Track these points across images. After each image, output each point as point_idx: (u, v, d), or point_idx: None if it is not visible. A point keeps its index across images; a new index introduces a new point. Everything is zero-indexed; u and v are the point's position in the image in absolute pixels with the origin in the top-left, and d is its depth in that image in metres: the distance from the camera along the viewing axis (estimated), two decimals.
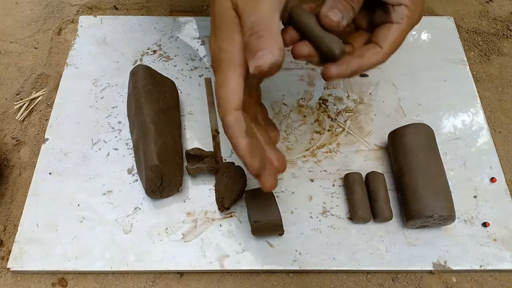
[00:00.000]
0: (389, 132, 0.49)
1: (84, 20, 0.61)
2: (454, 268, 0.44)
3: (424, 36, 0.60)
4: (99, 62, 0.57)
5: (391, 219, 0.45)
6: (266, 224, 0.42)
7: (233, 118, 0.34)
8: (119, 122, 0.53)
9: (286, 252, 0.45)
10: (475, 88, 0.56)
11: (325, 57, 0.36)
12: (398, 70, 0.57)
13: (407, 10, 0.38)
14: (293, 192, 0.48)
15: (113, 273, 0.45)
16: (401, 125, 0.47)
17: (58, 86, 0.55)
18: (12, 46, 0.62)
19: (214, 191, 0.48)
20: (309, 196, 0.48)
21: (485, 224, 0.46)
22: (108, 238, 0.45)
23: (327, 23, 0.36)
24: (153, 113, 0.46)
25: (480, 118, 0.53)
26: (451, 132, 0.52)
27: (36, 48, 0.62)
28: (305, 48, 0.37)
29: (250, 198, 0.43)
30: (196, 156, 0.48)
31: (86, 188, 0.48)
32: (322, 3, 0.37)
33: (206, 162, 0.47)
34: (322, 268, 0.44)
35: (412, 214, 0.43)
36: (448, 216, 0.42)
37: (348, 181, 0.47)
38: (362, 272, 0.45)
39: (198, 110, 0.54)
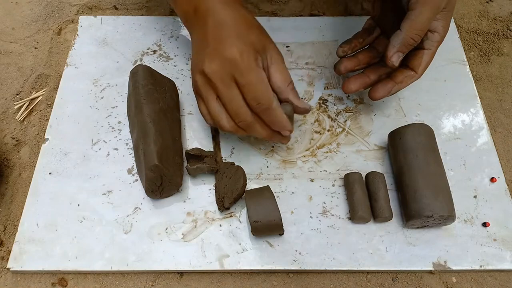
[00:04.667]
0: (389, 132, 0.49)
1: (84, 20, 0.61)
2: (454, 268, 0.44)
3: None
4: (99, 62, 0.57)
5: (391, 219, 0.45)
6: (266, 224, 0.42)
7: (276, 102, 0.42)
8: (119, 122, 0.53)
9: (286, 252, 0.45)
10: (475, 88, 0.56)
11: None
12: None
13: (439, 37, 0.45)
14: (293, 192, 0.48)
15: (113, 273, 0.45)
16: (401, 125, 0.47)
17: (58, 86, 0.55)
18: (12, 46, 0.62)
19: (214, 191, 0.48)
20: (309, 196, 0.48)
21: (485, 224, 0.46)
22: (108, 238, 0.45)
23: (391, 66, 0.45)
24: (153, 113, 0.46)
25: (480, 118, 0.53)
26: (451, 132, 0.52)
27: (36, 48, 0.62)
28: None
29: (250, 198, 0.43)
30: (196, 156, 0.48)
31: (86, 188, 0.48)
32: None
33: (206, 162, 0.47)
34: (322, 268, 0.44)
35: (412, 214, 0.43)
36: (448, 216, 0.42)
37: (348, 181, 0.47)
38: (362, 272, 0.45)
39: (198, 110, 0.54)
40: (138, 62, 0.57)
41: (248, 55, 0.41)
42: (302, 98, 0.55)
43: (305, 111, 0.46)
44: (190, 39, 0.47)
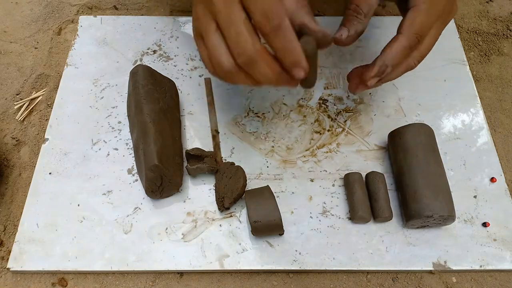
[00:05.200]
0: (389, 132, 0.49)
1: (84, 20, 0.61)
2: (454, 268, 0.44)
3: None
4: (99, 62, 0.57)
5: (391, 219, 0.45)
6: (266, 224, 0.42)
7: (288, 22, 0.34)
8: (119, 122, 0.53)
9: (286, 252, 0.45)
10: (475, 88, 0.56)
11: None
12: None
13: None
14: (293, 192, 0.48)
15: (113, 273, 0.45)
16: (401, 125, 0.47)
17: (58, 86, 0.55)
18: (12, 46, 0.62)
19: (214, 191, 0.48)
20: (309, 196, 0.48)
21: (485, 224, 0.46)
22: (108, 238, 0.45)
23: (335, 43, 0.41)
24: (153, 113, 0.46)
25: (480, 118, 0.53)
26: (451, 132, 0.52)
27: (36, 48, 0.62)
28: None
29: (250, 198, 0.43)
30: (196, 156, 0.48)
31: (86, 188, 0.48)
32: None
33: (206, 162, 0.47)
34: (322, 268, 0.44)
35: (412, 214, 0.43)
36: (448, 216, 0.42)
37: (348, 181, 0.47)
38: (362, 272, 0.45)
39: (198, 110, 0.54)
40: (138, 62, 0.57)
41: None
42: (302, 98, 0.55)
43: (325, 37, 0.38)
44: (191, 39, 0.44)
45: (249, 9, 0.34)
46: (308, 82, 0.41)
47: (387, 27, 0.60)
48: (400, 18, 0.43)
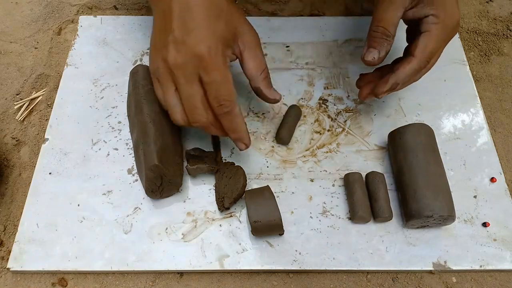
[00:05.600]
0: (389, 132, 0.49)
1: (84, 20, 0.61)
2: (454, 268, 0.44)
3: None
4: (99, 62, 0.57)
5: (391, 219, 0.45)
6: (266, 224, 0.42)
7: (238, 109, 0.41)
8: (119, 122, 0.53)
9: (286, 252, 0.45)
10: (475, 88, 0.56)
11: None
12: None
13: (434, 18, 0.43)
14: (293, 192, 0.48)
15: (113, 273, 0.45)
16: (401, 125, 0.47)
17: (58, 86, 0.55)
18: (12, 46, 0.62)
19: (214, 191, 0.48)
20: (309, 196, 0.48)
21: (485, 224, 0.46)
22: (108, 238, 0.45)
23: (368, 65, 0.45)
24: (153, 113, 0.46)
25: (480, 118, 0.53)
26: (451, 132, 0.52)
27: (36, 48, 0.62)
28: None
29: (250, 198, 0.43)
30: (196, 156, 0.48)
31: (86, 188, 0.48)
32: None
33: (206, 162, 0.47)
34: (322, 268, 0.44)
35: (412, 214, 0.43)
36: (448, 216, 0.42)
37: (348, 181, 0.47)
38: (362, 272, 0.45)
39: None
40: (138, 62, 0.57)
41: (216, 51, 0.39)
42: (302, 98, 0.55)
43: (274, 101, 0.46)
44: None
45: (206, 91, 0.40)
46: (281, 140, 0.50)
47: None
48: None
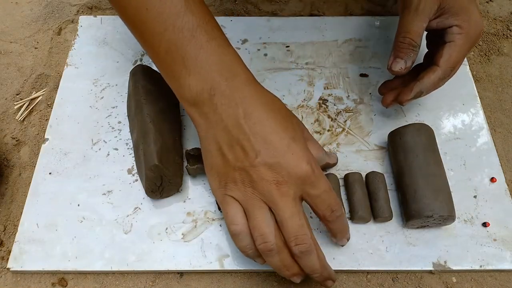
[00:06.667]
0: (389, 132, 0.49)
1: (84, 20, 0.61)
2: (454, 268, 0.44)
3: (424, 36, 0.60)
4: (99, 62, 0.57)
5: (391, 219, 0.45)
6: None
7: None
8: (119, 122, 0.53)
9: None
10: (475, 88, 0.56)
11: None
12: None
13: (458, 29, 0.44)
14: None
15: (113, 273, 0.45)
16: (401, 125, 0.47)
17: (58, 86, 0.55)
18: (12, 46, 0.62)
19: None
20: None
21: (485, 224, 0.46)
22: (108, 238, 0.45)
23: (394, 74, 0.46)
24: (153, 113, 0.46)
25: (480, 118, 0.53)
26: (451, 132, 0.52)
27: (36, 48, 0.62)
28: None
29: None
30: (196, 156, 0.48)
31: (86, 188, 0.48)
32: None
33: None
34: None
35: (412, 214, 0.43)
36: (448, 216, 0.42)
37: (348, 181, 0.47)
38: (362, 272, 0.45)
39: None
40: (138, 62, 0.57)
41: (315, 161, 0.38)
42: (302, 99, 0.55)
43: (336, 162, 0.49)
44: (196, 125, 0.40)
45: (315, 204, 0.38)
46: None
47: (387, 27, 0.60)
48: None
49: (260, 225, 0.36)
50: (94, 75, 0.56)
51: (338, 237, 0.42)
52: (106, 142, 0.51)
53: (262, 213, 0.36)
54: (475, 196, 0.48)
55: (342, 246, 0.44)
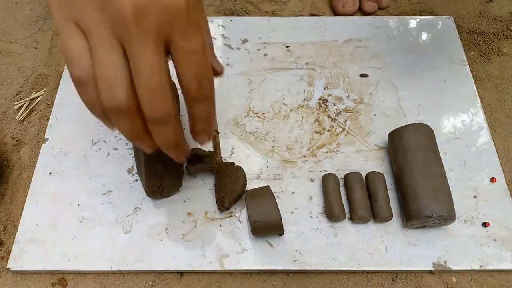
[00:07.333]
0: (389, 132, 0.49)
1: None
2: (454, 268, 0.44)
3: (424, 36, 0.60)
4: None
5: (391, 219, 0.45)
6: (266, 224, 0.42)
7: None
8: None
9: (286, 252, 0.45)
10: (475, 88, 0.56)
11: None
12: (398, 70, 0.57)
13: None
14: (293, 192, 0.48)
15: (113, 273, 0.45)
16: (401, 125, 0.47)
17: (58, 86, 0.55)
18: (12, 46, 0.62)
19: (214, 191, 0.48)
20: (309, 196, 0.48)
21: (485, 224, 0.46)
22: (108, 238, 0.45)
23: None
24: None
25: (480, 118, 0.53)
26: (451, 132, 0.52)
27: (36, 48, 0.62)
28: None
29: (250, 198, 0.43)
30: (196, 156, 0.48)
31: (86, 188, 0.48)
32: None
33: (206, 162, 0.47)
34: (322, 268, 0.44)
35: (412, 214, 0.43)
36: (448, 216, 0.42)
37: (348, 181, 0.47)
38: (362, 272, 0.45)
39: None
40: None
41: (196, 5, 0.27)
42: (302, 99, 0.55)
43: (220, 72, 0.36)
44: None
45: (180, 60, 0.28)
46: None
47: (387, 27, 0.60)
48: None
49: (108, 73, 0.26)
50: None
51: (197, 127, 0.33)
52: (106, 142, 0.51)
53: (113, 56, 0.26)
54: (475, 196, 0.48)
55: (201, 145, 0.36)
